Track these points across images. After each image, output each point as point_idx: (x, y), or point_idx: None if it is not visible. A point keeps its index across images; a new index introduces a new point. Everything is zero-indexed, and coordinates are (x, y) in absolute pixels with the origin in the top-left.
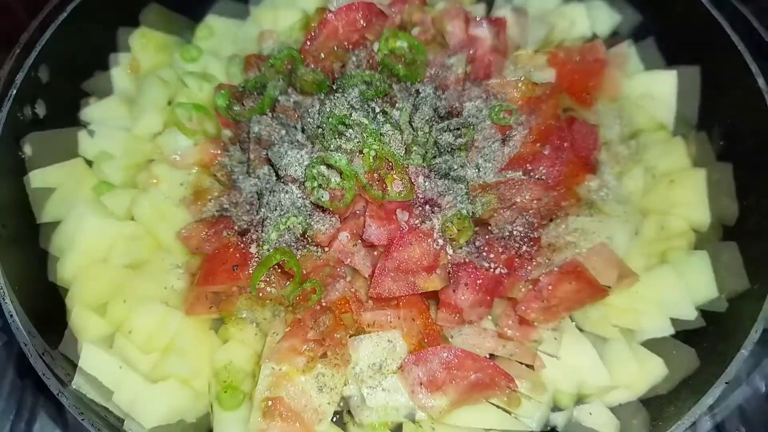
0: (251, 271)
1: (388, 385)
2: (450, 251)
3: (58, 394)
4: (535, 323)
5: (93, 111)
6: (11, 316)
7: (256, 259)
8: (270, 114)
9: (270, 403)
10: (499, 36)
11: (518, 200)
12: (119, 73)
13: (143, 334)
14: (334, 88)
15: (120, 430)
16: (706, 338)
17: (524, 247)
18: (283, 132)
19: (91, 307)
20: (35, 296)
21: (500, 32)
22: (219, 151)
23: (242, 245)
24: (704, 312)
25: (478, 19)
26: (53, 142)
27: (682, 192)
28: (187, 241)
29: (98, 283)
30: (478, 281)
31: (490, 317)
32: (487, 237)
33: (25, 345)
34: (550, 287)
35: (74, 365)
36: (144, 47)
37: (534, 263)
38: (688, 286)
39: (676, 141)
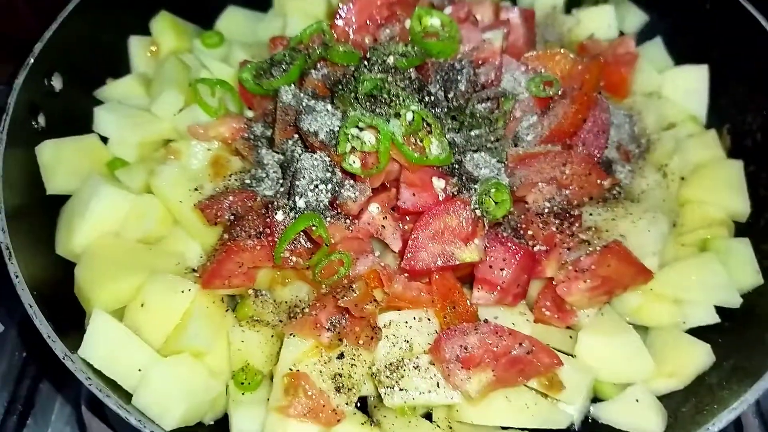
0: (276, 239)
1: (405, 383)
2: (486, 226)
3: (64, 358)
4: (574, 307)
5: (109, 89)
6: (17, 276)
7: (282, 226)
8: (299, 88)
9: (292, 378)
10: (528, 25)
11: (557, 174)
12: (138, 55)
13: (157, 307)
14: (367, 57)
15: (129, 401)
16: (723, 335)
17: (565, 223)
18: (312, 102)
19: (101, 280)
20: (42, 265)
21: (529, 21)
22: (242, 126)
23: (266, 213)
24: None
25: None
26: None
27: (720, 181)
28: (205, 210)
29: (110, 256)
30: (517, 256)
31: (524, 302)
32: (523, 216)
33: (30, 306)
34: (592, 266)
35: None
36: (164, 31)
37: (576, 240)
38: (732, 273)
39: (710, 133)
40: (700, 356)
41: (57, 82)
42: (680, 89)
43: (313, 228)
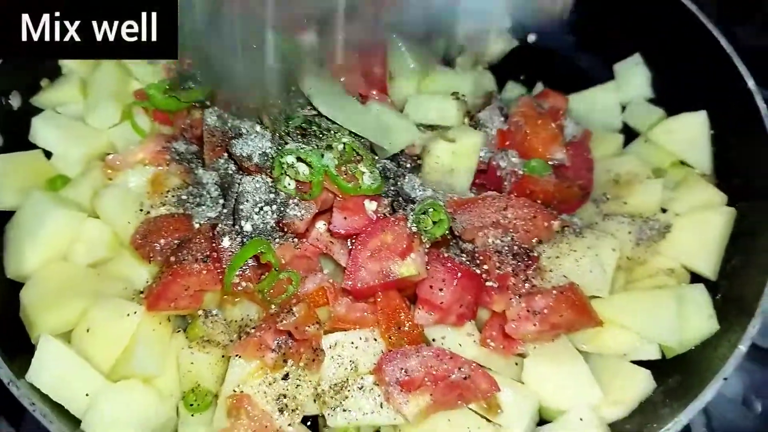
0: (224, 267)
1: (349, 403)
2: (425, 242)
3: (8, 384)
4: (521, 340)
5: (46, 96)
6: None
7: (230, 252)
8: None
9: (235, 400)
10: None
11: (500, 219)
12: None
13: (102, 332)
14: None
15: (77, 427)
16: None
17: (521, 265)
18: (238, 121)
19: (46, 305)
20: None
21: None
22: (161, 147)
23: (213, 236)
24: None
25: None
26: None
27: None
28: (138, 249)
29: (56, 280)
30: (456, 276)
31: (473, 322)
32: (480, 249)
33: None
34: (545, 311)
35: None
36: None
37: (527, 285)
38: (686, 319)
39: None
40: (641, 383)
41: (15, 101)
42: (677, 137)
43: (262, 254)
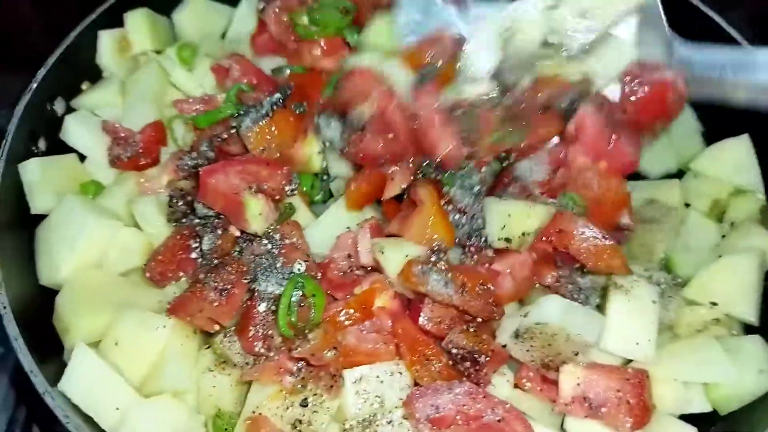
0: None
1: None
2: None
3: (44, 393)
4: None
5: (87, 98)
6: (4, 308)
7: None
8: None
9: (253, 423)
10: None
11: None
12: (108, 54)
13: (131, 346)
14: None
15: None
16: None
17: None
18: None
19: (82, 312)
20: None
21: None
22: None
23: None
24: None
25: None
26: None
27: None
28: (147, 273)
29: (92, 288)
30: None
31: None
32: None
33: (15, 339)
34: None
35: None
36: (139, 28)
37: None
38: (740, 372)
39: None
40: None
41: (59, 107)
42: (726, 163)
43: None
